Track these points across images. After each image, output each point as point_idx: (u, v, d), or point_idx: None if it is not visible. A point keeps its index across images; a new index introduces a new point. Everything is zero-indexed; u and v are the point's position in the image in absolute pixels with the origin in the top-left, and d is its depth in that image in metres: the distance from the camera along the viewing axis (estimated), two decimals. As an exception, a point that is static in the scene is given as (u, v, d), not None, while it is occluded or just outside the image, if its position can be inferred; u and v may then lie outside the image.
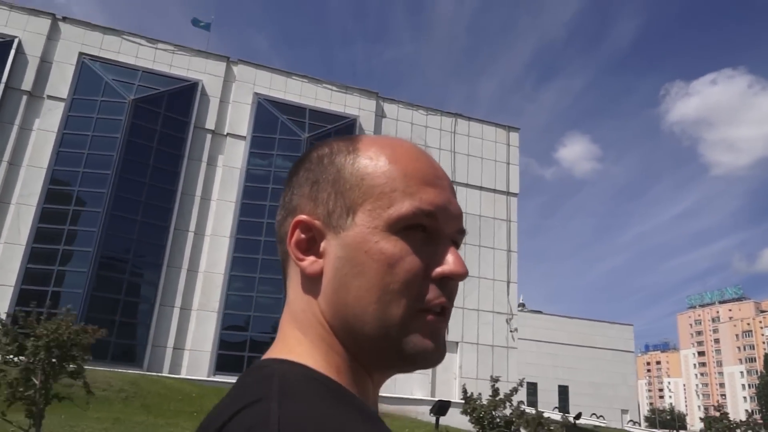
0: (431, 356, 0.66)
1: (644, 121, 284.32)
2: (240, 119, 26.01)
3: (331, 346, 0.66)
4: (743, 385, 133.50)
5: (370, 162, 0.68)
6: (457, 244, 0.69)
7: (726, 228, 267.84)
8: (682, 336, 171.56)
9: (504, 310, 27.14)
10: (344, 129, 27.06)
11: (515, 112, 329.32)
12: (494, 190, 29.91)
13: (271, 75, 26.99)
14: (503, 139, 30.88)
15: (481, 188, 29.63)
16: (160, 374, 21.28)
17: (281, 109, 26.34)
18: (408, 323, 0.64)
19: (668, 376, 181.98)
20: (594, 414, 52.90)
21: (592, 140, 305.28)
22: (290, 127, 26.02)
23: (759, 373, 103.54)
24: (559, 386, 60.00)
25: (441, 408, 18.53)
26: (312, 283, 0.67)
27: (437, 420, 18.14)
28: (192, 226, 24.32)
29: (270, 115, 26.13)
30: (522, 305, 74.02)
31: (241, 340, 23.59)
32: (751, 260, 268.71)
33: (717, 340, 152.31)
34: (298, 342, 0.67)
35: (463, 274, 0.66)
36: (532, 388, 58.62)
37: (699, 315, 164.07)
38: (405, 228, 0.65)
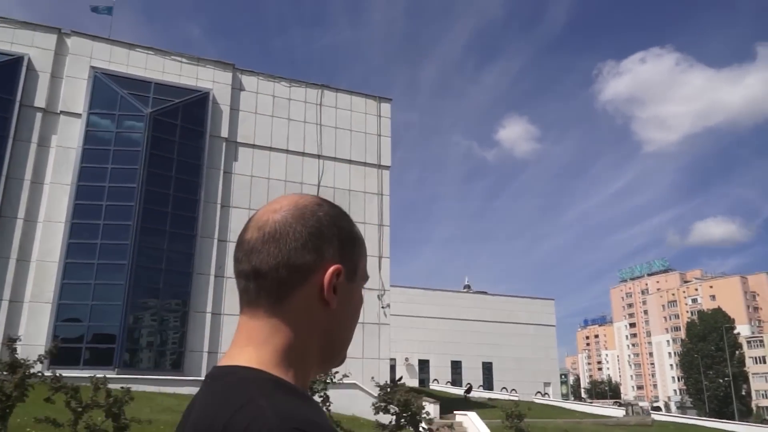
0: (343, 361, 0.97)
1: (580, 100, 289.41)
2: (75, 96, 24.26)
3: (300, 356, 0.88)
4: (669, 353, 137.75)
5: (358, 233, 0.98)
6: None
7: (661, 203, 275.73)
8: (615, 309, 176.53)
9: (376, 286, 26.15)
10: (195, 103, 25.64)
11: (458, 94, 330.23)
12: (365, 164, 28.96)
13: (111, 47, 25.28)
14: (373, 111, 29.93)
15: (350, 162, 28.65)
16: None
17: (122, 84, 24.68)
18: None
19: (605, 348, 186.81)
20: (513, 389, 53.14)
21: (530, 121, 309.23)
22: (132, 103, 24.43)
23: (682, 341, 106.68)
24: (483, 363, 60.26)
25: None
26: (322, 314, 0.90)
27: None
28: (21, 213, 22.39)
29: (109, 90, 24.46)
30: (467, 286, 74.30)
31: (79, 332, 21.86)
32: (684, 234, 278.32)
33: (646, 312, 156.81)
34: (255, 352, 0.86)
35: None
36: (457, 366, 58.67)
37: (630, 288, 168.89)
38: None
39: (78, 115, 24.07)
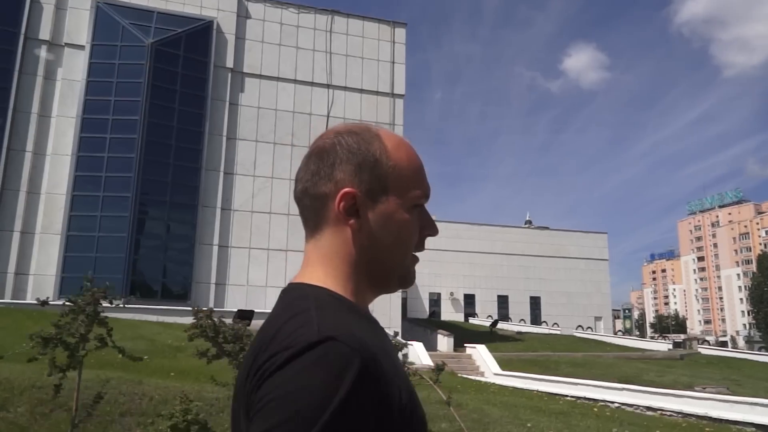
0: (410, 283, 1.02)
1: (653, 24, 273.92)
2: (79, 27, 24.11)
3: (348, 276, 0.96)
4: (739, 287, 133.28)
5: (397, 157, 0.99)
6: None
7: (741, 131, 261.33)
8: (683, 243, 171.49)
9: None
10: (198, 32, 25.17)
11: (522, 22, 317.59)
12: (377, 92, 28.01)
13: (113, -23, 24.84)
14: (387, 37, 28.68)
15: (361, 91, 27.77)
16: (1, 300, 20.60)
17: (124, 14, 24.37)
18: (408, 264, 1.01)
19: (673, 283, 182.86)
20: (555, 323, 52.81)
21: (598, 48, 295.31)
22: (134, 33, 24.16)
23: (753, 275, 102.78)
24: (531, 297, 59.79)
25: (242, 318, 17.41)
26: (351, 235, 0.96)
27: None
28: (30, 146, 22.89)
29: (111, 20, 24.21)
30: (529, 222, 73.31)
31: (87, 262, 22.47)
32: (765, 163, 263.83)
33: (715, 245, 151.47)
34: (322, 272, 0.95)
35: (437, 233, 1.05)
36: (504, 301, 58.48)
37: (699, 221, 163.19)
38: (414, 206, 0.99)
39: (82, 47, 24.05)
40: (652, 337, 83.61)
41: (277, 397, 0.75)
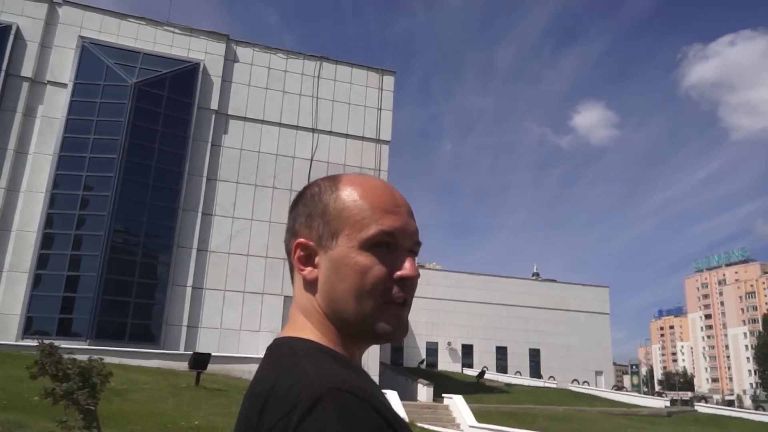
0: (393, 336, 0.93)
1: (662, 85, 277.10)
2: (62, 66, 24.21)
3: (326, 327, 0.93)
4: (746, 346, 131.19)
5: (347, 198, 0.94)
6: (414, 254, 0.96)
7: (749, 193, 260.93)
8: (690, 300, 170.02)
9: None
10: (184, 74, 25.23)
11: (533, 79, 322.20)
12: (362, 138, 27.87)
13: (102, 17, 25.09)
14: (375, 84, 28.71)
15: (347, 136, 27.64)
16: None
17: (110, 54, 24.48)
18: (377, 313, 0.91)
19: (681, 340, 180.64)
20: (551, 377, 51.81)
21: (608, 106, 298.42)
22: (118, 73, 24.20)
23: (759, 334, 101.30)
24: (530, 350, 58.91)
25: (197, 362, 16.87)
26: (311, 286, 0.95)
27: (198, 375, 16.47)
28: (3, 182, 22.73)
29: (96, 60, 24.30)
30: (536, 274, 72.63)
31: (54, 302, 22.04)
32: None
33: (722, 303, 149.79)
34: (305, 325, 0.94)
35: (414, 276, 0.93)
36: (502, 352, 57.61)
37: (706, 278, 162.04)
38: (373, 245, 0.91)
39: (64, 85, 24.07)
40: (651, 394, 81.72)
41: None
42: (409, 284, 0.93)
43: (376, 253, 0.91)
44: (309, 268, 0.94)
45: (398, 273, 0.92)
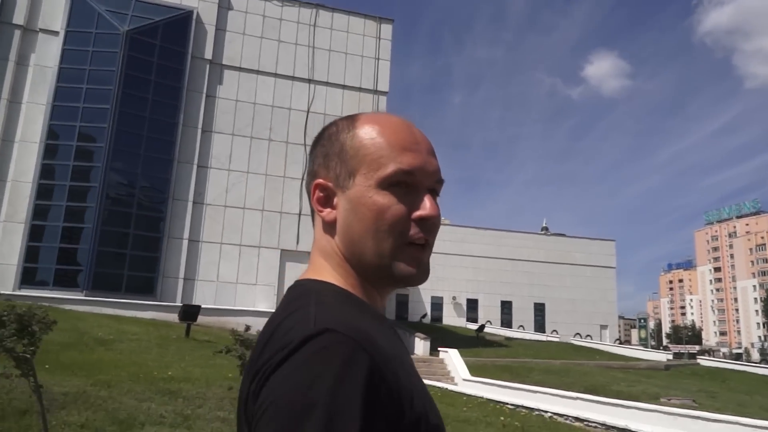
0: (414, 278, 0.89)
1: (676, 33, 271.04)
2: (54, 13, 23.76)
3: (346, 270, 0.90)
4: (755, 299, 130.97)
5: (364, 136, 0.90)
6: (436, 193, 0.92)
7: (763, 143, 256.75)
8: (699, 253, 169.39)
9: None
10: (177, 22, 24.74)
11: (547, 28, 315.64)
12: (360, 89, 27.38)
13: (91, -36, 24.49)
14: (372, 32, 28.05)
15: (344, 87, 27.17)
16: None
17: (101, 0, 23.98)
18: (396, 254, 0.87)
19: (690, 293, 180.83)
20: (554, 330, 52.19)
21: (620, 56, 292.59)
22: (109, 20, 23.74)
23: (767, 286, 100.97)
24: (535, 304, 59.10)
25: (186, 314, 16.96)
26: (330, 227, 0.91)
27: (188, 326, 16.57)
28: (-3, 132, 22.63)
29: (87, 7, 23.82)
30: (545, 228, 72.46)
31: (51, 253, 22.15)
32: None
33: (732, 256, 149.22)
34: (324, 267, 0.91)
35: (433, 216, 0.89)
36: (507, 307, 57.88)
37: (716, 231, 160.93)
38: (391, 185, 0.87)
39: (56, 33, 23.70)
40: (658, 348, 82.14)
41: (271, 403, 0.69)
42: (429, 224, 0.89)
43: (395, 192, 0.88)
44: (327, 209, 0.91)
45: (417, 213, 0.88)
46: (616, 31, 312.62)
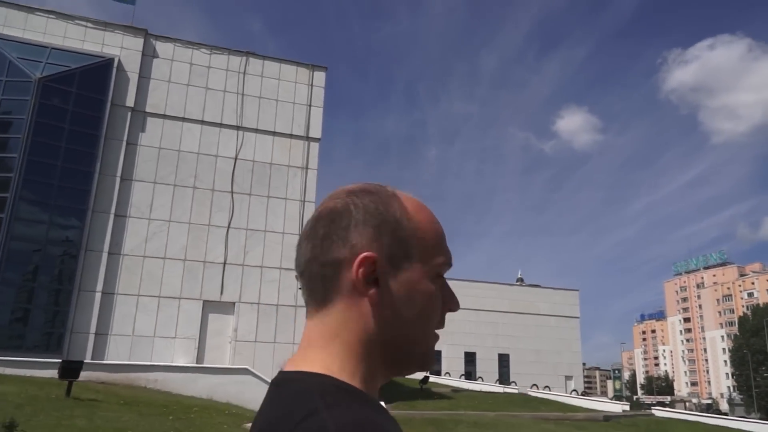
0: (433, 364, 0.89)
1: (643, 90, 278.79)
2: (-35, 61, 23.01)
3: (362, 358, 0.81)
4: (723, 349, 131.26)
5: (421, 219, 0.87)
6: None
7: (732, 196, 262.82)
8: (669, 303, 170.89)
9: (294, 266, 24.10)
10: (96, 69, 24.08)
11: (519, 84, 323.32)
12: (291, 135, 26.78)
13: (6, 11, 23.91)
14: (305, 80, 27.65)
15: (274, 133, 26.54)
16: None
17: (13, 48, 23.28)
18: (431, 341, 0.87)
19: (662, 344, 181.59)
20: (513, 382, 51.09)
21: (590, 111, 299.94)
22: (21, 68, 22.97)
23: (735, 337, 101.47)
24: (499, 354, 58.28)
25: (66, 370, 15.63)
26: (371, 307, 0.82)
27: (69, 384, 15.24)
28: None
29: (-1, 55, 23.08)
30: (521, 279, 72.01)
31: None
32: (755, 227, 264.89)
33: (701, 306, 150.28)
34: (328, 355, 0.81)
35: (458, 308, 0.90)
36: (471, 358, 56.99)
37: (684, 282, 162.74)
38: (438, 275, 0.86)
39: (-36, 83, 22.90)
40: (627, 398, 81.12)
41: None
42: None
43: (437, 283, 0.87)
44: (374, 289, 0.82)
45: (451, 305, 0.89)
46: (585, 87, 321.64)
